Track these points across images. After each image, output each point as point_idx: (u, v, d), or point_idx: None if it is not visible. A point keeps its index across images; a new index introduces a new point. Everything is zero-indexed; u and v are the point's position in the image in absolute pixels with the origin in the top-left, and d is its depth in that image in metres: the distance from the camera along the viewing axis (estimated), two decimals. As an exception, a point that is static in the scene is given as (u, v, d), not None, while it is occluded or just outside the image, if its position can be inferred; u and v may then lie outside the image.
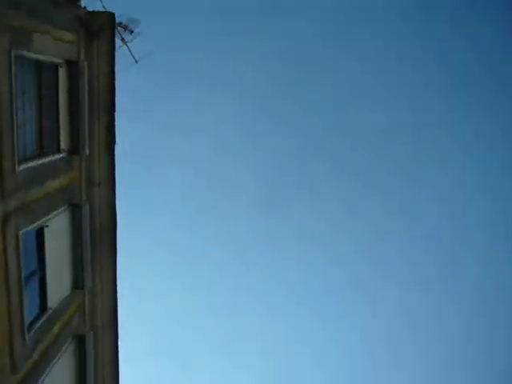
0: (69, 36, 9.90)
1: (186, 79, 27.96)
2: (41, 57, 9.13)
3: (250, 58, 27.49)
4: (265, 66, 27.42)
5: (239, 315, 31.37)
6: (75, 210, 10.57)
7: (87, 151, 10.54)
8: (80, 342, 10.89)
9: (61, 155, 9.99)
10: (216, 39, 27.08)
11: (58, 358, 10.05)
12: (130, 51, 13.87)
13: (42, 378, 9.27)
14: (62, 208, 10.14)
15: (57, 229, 9.91)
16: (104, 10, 11.26)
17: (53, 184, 9.63)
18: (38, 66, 9.27)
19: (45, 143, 9.48)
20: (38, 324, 9.22)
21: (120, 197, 11.57)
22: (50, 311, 9.64)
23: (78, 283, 10.76)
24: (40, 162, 9.13)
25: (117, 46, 11.06)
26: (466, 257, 30.41)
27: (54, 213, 9.77)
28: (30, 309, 8.96)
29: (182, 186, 29.69)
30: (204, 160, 29.40)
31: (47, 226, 9.42)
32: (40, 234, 9.29)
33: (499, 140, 28.05)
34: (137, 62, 14.20)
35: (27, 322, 8.78)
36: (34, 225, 8.95)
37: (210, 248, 31.87)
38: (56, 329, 9.88)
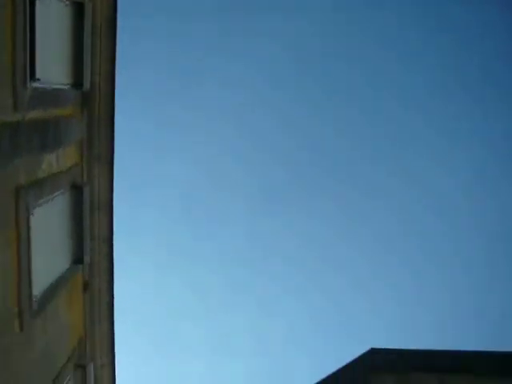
0: None
1: (185, 79, 28.88)
2: None
3: (250, 58, 28.47)
4: (265, 65, 28.35)
5: (234, 313, 31.38)
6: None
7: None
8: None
9: None
10: (216, 39, 28.05)
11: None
12: None
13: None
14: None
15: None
16: None
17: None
18: None
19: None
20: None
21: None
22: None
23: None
24: None
25: None
26: (466, 258, 30.62)
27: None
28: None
29: (181, 185, 30.16)
30: (203, 159, 30.05)
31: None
32: None
33: (499, 140, 28.62)
34: None
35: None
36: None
37: (207, 246, 32.15)
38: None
